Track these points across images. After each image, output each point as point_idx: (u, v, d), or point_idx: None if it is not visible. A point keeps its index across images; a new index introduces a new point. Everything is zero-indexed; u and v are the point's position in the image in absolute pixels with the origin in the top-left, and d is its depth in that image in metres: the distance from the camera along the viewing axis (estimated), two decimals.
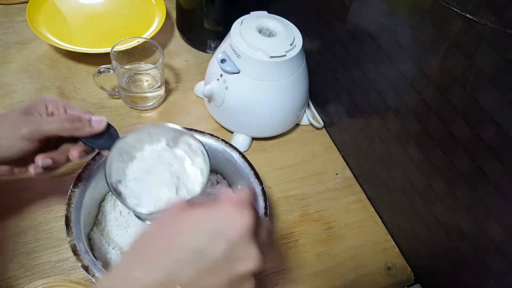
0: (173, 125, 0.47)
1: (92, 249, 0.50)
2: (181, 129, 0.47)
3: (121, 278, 0.29)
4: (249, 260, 0.30)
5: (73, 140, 0.46)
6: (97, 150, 0.48)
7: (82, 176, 0.51)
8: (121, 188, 0.45)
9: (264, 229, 0.32)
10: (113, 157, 0.44)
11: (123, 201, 0.43)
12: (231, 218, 0.30)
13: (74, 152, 0.45)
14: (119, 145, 0.45)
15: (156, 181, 0.45)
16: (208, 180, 0.45)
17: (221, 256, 0.29)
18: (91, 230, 0.53)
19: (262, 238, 0.31)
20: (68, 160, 0.46)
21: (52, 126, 0.43)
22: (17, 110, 0.44)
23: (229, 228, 0.29)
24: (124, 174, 0.46)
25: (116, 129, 0.47)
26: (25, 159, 0.45)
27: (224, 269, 0.29)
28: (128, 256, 0.31)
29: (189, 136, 0.47)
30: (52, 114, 0.45)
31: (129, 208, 0.43)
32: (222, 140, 0.57)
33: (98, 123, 0.45)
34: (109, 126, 0.46)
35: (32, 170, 0.45)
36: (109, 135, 0.46)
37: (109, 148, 0.45)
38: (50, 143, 0.46)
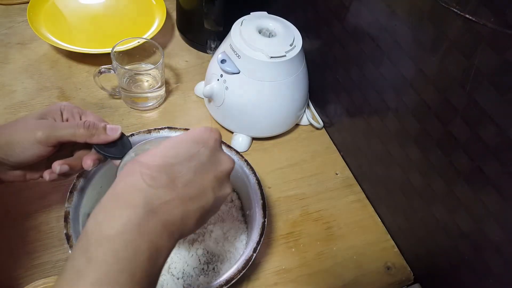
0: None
1: None
2: None
3: (130, 188, 0.32)
4: (226, 162, 0.38)
5: (86, 147, 0.46)
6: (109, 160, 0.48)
7: (83, 174, 0.51)
8: None
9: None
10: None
11: None
12: (207, 132, 0.38)
13: (88, 160, 0.45)
14: (130, 155, 0.45)
15: None
16: None
17: (207, 159, 0.36)
18: None
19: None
20: (82, 168, 0.46)
21: (67, 131, 0.43)
22: (32, 116, 0.44)
23: (208, 138, 0.37)
24: None
25: (129, 139, 0.47)
26: (38, 165, 0.45)
27: (210, 170, 0.36)
28: (131, 170, 0.33)
29: None
30: (67, 120, 0.45)
31: None
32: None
33: (113, 131, 0.45)
34: (122, 135, 0.47)
35: (47, 176, 0.46)
36: (122, 144, 0.46)
37: (121, 157, 0.45)
38: (63, 150, 0.46)
